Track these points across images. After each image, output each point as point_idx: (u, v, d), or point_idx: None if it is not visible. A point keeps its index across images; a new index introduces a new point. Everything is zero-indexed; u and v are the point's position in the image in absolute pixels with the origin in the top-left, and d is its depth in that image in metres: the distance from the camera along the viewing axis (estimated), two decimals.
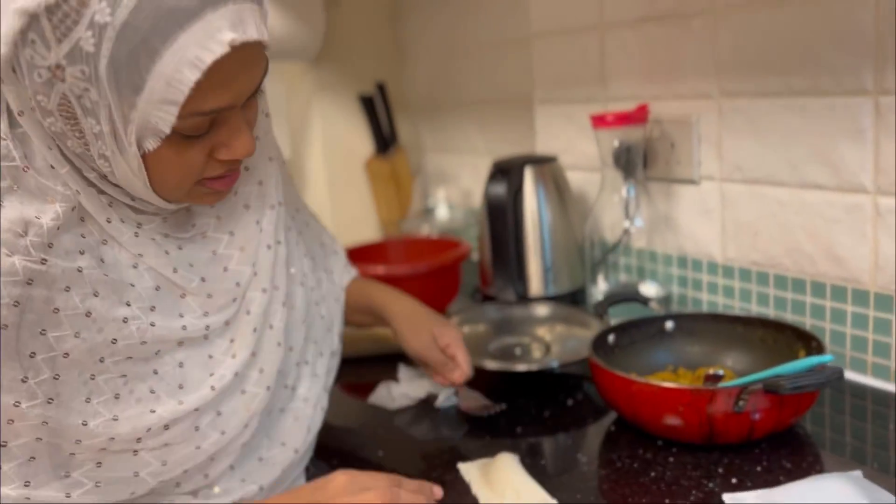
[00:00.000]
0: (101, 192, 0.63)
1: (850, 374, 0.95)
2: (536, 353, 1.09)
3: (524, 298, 1.23)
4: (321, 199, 1.87)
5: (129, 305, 0.64)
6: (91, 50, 0.53)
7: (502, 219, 1.19)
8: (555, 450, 0.86)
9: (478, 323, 1.16)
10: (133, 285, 0.65)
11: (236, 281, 0.72)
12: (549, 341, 1.11)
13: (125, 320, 0.63)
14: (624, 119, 1.12)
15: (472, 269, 1.50)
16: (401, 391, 1.00)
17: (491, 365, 1.00)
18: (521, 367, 1.00)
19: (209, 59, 0.54)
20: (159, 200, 0.64)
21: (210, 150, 0.62)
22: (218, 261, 0.71)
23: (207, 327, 0.70)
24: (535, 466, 0.80)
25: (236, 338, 0.72)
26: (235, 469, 0.74)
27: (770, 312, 1.04)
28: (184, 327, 0.68)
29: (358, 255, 1.39)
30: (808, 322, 1.00)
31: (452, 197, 1.76)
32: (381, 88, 1.80)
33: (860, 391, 0.92)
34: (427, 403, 0.99)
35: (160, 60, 0.54)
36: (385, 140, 1.82)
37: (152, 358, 0.66)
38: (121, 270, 0.64)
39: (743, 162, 1.05)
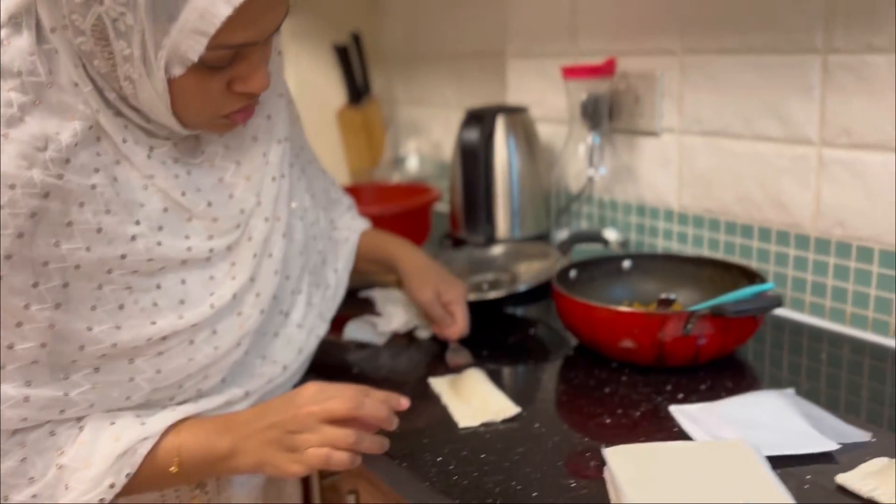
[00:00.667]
0: (119, 113, 0.67)
1: (789, 313, 1.04)
2: (504, 285, 1.15)
3: (492, 240, 1.30)
4: None
5: (138, 224, 0.68)
6: None
7: (474, 162, 1.25)
8: (517, 370, 0.93)
9: (450, 264, 1.21)
10: (143, 205, 0.68)
11: (241, 208, 0.75)
12: (517, 274, 1.18)
13: (133, 238, 0.67)
14: (593, 71, 1.18)
15: (440, 219, 1.56)
16: (385, 325, 1.03)
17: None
18: (491, 295, 1.06)
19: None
20: (176, 124, 0.68)
21: (229, 82, 0.66)
22: (224, 187, 0.75)
23: (211, 250, 0.73)
24: (497, 382, 0.87)
25: (237, 262, 0.75)
26: (227, 383, 0.78)
27: (719, 256, 1.12)
28: (189, 248, 0.71)
29: None
30: (754, 265, 1.08)
31: (423, 148, 1.81)
32: (356, 38, 1.83)
33: (797, 328, 1.00)
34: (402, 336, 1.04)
35: None
36: (358, 90, 1.85)
37: (157, 273, 0.70)
38: (132, 190, 0.68)
39: (701, 115, 1.12)
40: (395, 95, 1.94)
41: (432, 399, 0.85)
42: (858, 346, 0.93)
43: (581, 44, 1.30)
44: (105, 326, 0.67)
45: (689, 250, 1.17)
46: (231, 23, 0.59)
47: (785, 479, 0.64)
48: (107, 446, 0.68)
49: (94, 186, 0.65)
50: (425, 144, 1.81)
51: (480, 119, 1.26)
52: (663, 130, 1.18)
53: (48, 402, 0.65)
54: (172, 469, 0.69)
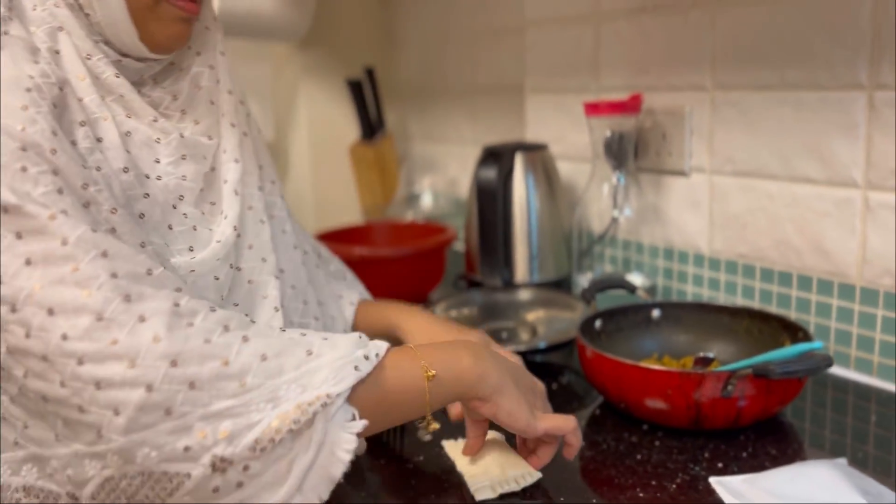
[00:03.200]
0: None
1: (833, 369, 0.96)
2: (523, 336, 1.09)
3: (510, 284, 1.23)
4: (304, 183, 1.85)
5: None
6: None
7: (491, 202, 1.18)
8: None
9: (464, 307, 1.15)
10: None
11: (204, 145, 0.72)
12: (536, 325, 1.11)
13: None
14: (617, 108, 1.12)
15: (456, 258, 1.49)
16: None
17: None
18: (509, 348, 0.99)
19: None
20: (123, 15, 0.64)
21: None
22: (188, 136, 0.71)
23: (184, 177, 0.68)
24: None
25: (217, 201, 0.71)
26: None
27: (755, 305, 1.05)
28: (183, 177, 0.68)
29: (341, 238, 1.38)
30: (793, 315, 1.00)
31: (438, 185, 1.75)
32: (370, 73, 1.78)
33: (842, 385, 0.92)
34: None
35: None
36: (372, 126, 1.80)
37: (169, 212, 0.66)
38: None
39: (734, 154, 1.05)
40: (410, 131, 1.89)
41: (445, 465, 0.77)
42: None
43: (604, 78, 1.24)
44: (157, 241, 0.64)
45: (722, 298, 1.09)
46: None
47: None
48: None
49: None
50: (440, 181, 1.75)
51: (498, 156, 1.20)
52: (693, 170, 1.11)
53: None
54: (429, 373, 0.61)
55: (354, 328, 0.89)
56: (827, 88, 0.93)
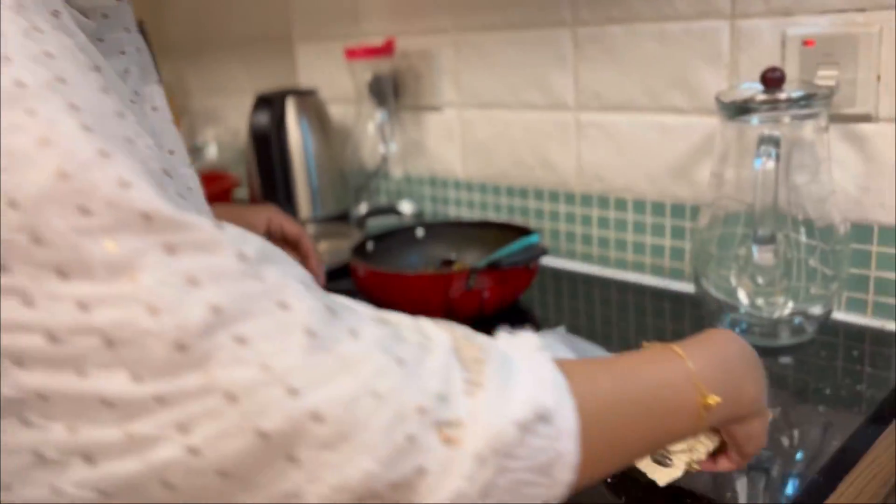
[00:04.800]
0: None
1: (565, 263, 1.15)
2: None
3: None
4: None
5: None
6: None
7: (267, 147, 1.26)
8: None
9: None
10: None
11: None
12: (322, 256, 1.21)
13: None
14: (373, 52, 1.23)
15: (243, 205, 1.55)
16: None
17: None
18: None
19: None
20: None
21: None
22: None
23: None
24: None
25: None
26: None
27: (502, 218, 1.22)
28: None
29: None
30: (532, 223, 1.18)
31: (222, 136, 1.79)
32: (142, 27, 1.76)
33: (572, 276, 1.12)
34: None
35: None
36: None
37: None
38: None
39: (477, 89, 1.20)
40: (188, 84, 1.90)
41: None
42: (622, 286, 1.06)
43: (364, 25, 1.35)
44: None
45: (477, 215, 1.26)
46: None
47: None
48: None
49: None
50: (223, 132, 1.79)
51: (270, 103, 1.28)
52: (445, 105, 1.26)
53: None
54: (709, 401, 0.46)
55: None
56: (540, 26, 1.09)
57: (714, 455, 0.57)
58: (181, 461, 0.33)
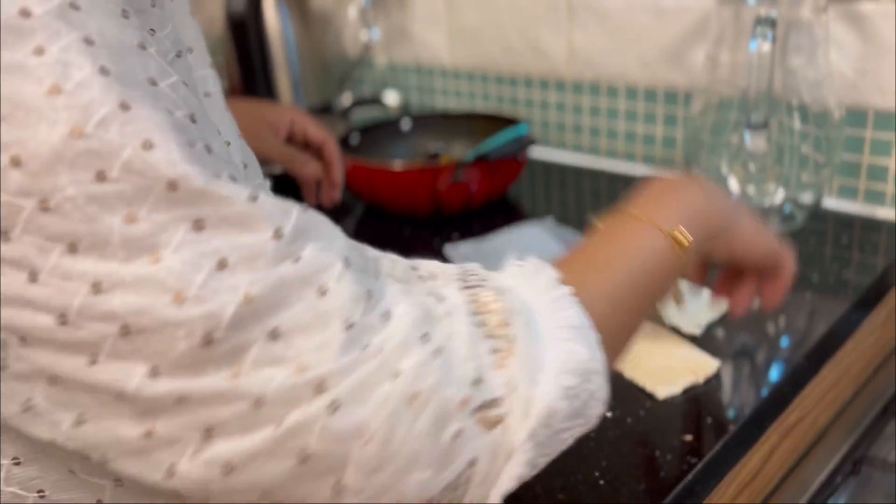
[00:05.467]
0: None
1: (556, 154, 1.13)
2: None
3: None
4: None
5: None
6: None
7: (244, 34, 1.21)
8: None
9: None
10: None
11: None
12: None
13: None
14: None
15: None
16: None
17: None
18: (277, 170, 1.07)
19: None
20: None
21: None
22: None
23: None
24: None
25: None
26: None
27: (490, 108, 1.19)
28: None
29: None
30: (522, 112, 1.16)
31: (200, 25, 1.72)
32: None
33: (562, 168, 1.10)
34: None
35: None
36: None
37: None
38: None
39: None
40: None
41: None
42: (613, 177, 1.04)
43: None
44: None
45: (465, 105, 1.23)
46: None
47: None
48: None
49: None
50: (201, 21, 1.71)
51: None
52: None
53: None
54: (683, 243, 0.45)
55: None
56: None
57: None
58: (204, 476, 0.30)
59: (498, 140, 0.92)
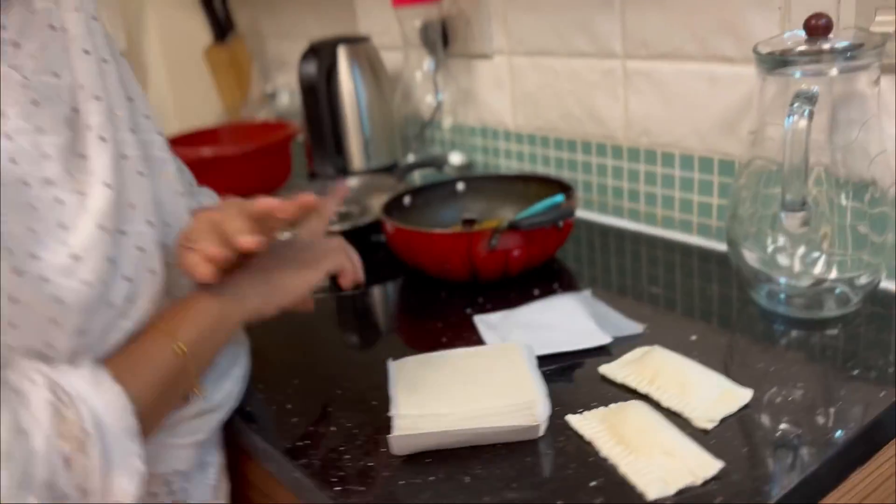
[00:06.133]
0: None
1: (609, 219, 1.10)
2: (354, 217, 1.19)
3: (344, 172, 1.33)
4: (162, 90, 1.87)
5: None
6: None
7: (314, 97, 1.26)
8: (361, 299, 0.98)
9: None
10: None
11: (55, 82, 0.60)
12: (369, 206, 1.21)
13: None
14: None
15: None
16: None
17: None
18: (335, 227, 1.09)
19: None
20: None
21: None
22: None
23: (39, 128, 0.57)
24: (345, 310, 0.92)
25: (85, 153, 0.59)
26: None
27: (552, 171, 1.18)
28: (39, 128, 0.57)
29: (189, 141, 1.44)
30: (580, 177, 1.14)
31: (292, 82, 1.81)
32: None
33: (618, 233, 1.07)
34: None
35: None
36: (222, 27, 1.82)
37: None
38: None
39: (524, 36, 1.15)
40: (261, 30, 1.92)
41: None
42: (668, 245, 1.00)
43: None
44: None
45: (527, 167, 1.22)
46: None
47: (557, 373, 0.72)
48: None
49: None
50: (293, 79, 1.80)
51: (318, 52, 1.27)
52: (494, 52, 1.21)
53: None
54: (176, 347, 0.60)
55: None
56: None
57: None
58: None
59: (536, 209, 0.91)
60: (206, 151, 1.29)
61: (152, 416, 0.59)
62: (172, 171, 0.69)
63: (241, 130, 1.52)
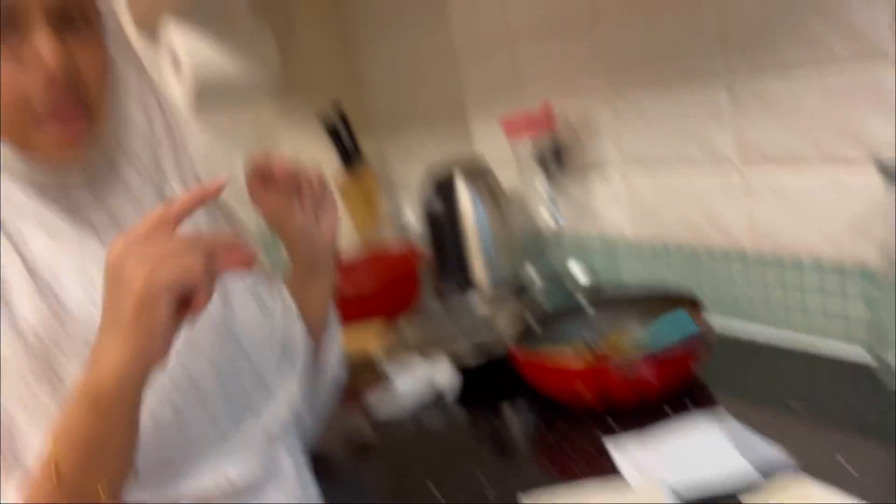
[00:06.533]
0: None
1: (745, 329, 1.06)
2: (484, 338, 1.21)
3: (469, 291, 1.37)
4: None
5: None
6: None
7: (437, 224, 1.33)
8: (489, 414, 0.99)
9: (432, 319, 1.29)
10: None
11: None
12: (495, 325, 1.23)
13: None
14: (532, 123, 1.24)
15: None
16: (405, 391, 1.07)
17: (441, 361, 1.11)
18: (470, 362, 1.11)
19: None
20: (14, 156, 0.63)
21: (19, 60, 0.61)
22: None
23: None
24: (474, 424, 0.93)
25: None
26: None
27: (675, 280, 1.16)
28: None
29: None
30: (706, 286, 1.11)
31: (416, 201, 1.89)
32: (341, 111, 1.93)
33: (753, 344, 1.02)
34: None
35: None
36: (350, 158, 1.95)
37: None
38: None
39: (638, 149, 1.17)
40: (387, 156, 2.03)
41: None
42: (807, 357, 0.94)
43: (527, 93, 1.36)
44: None
45: (649, 276, 1.21)
46: None
47: None
48: None
49: None
50: (416, 197, 1.89)
51: (438, 178, 1.34)
52: (608, 165, 1.23)
53: None
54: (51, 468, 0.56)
55: None
56: (693, 79, 1.04)
57: None
58: None
59: (668, 328, 0.90)
60: (347, 290, 1.36)
61: None
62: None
63: (374, 262, 1.60)
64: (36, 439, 0.60)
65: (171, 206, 0.58)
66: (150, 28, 1.83)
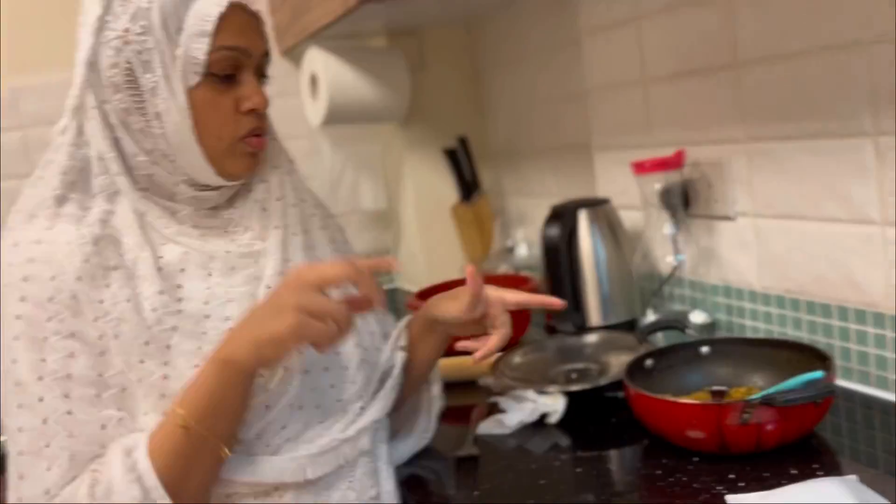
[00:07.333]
0: (144, 192, 0.82)
1: (874, 391, 1.02)
2: (593, 375, 1.21)
3: (583, 328, 1.36)
4: (415, 243, 2.07)
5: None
6: (146, 5, 0.76)
7: (556, 258, 1.33)
8: (594, 458, 0.99)
9: (538, 352, 1.29)
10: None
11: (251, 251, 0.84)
12: (607, 364, 1.23)
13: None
14: (662, 164, 1.24)
15: None
16: (514, 419, 1.09)
17: (550, 389, 1.12)
18: (573, 388, 1.12)
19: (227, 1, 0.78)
20: (201, 158, 0.80)
21: (236, 103, 0.80)
22: (234, 244, 0.85)
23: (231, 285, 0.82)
24: (573, 468, 0.93)
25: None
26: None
27: (803, 335, 1.13)
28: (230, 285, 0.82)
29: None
30: (836, 343, 1.08)
31: (531, 236, 1.91)
32: (463, 141, 1.98)
33: (884, 407, 0.99)
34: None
35: (194, 4, 0.77)
36: (468, 187, 1.99)
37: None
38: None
39: (771, 199, 1.15)
40: (504, 189, 2.07)
41: None
42: None
43: (655, 135, 1.36)
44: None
45: (775, 329, 1.18)
46: (222, 28, 0.77)
47: None
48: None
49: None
50: (532, 232, 1.91)
51: (561, 215, 1.35)
52: (738, 214, 1.21)
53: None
54: (178, 418, 0.72)
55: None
56: (839, 136, 1.02)
57: None
58: None
59: (792, 383, 0.87)
60: None
61: (186, 480, 0.73)
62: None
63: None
64: (144, 399, 0.75)
65: (349, 268, 0.73)
66: (293, 59, 1.96)
